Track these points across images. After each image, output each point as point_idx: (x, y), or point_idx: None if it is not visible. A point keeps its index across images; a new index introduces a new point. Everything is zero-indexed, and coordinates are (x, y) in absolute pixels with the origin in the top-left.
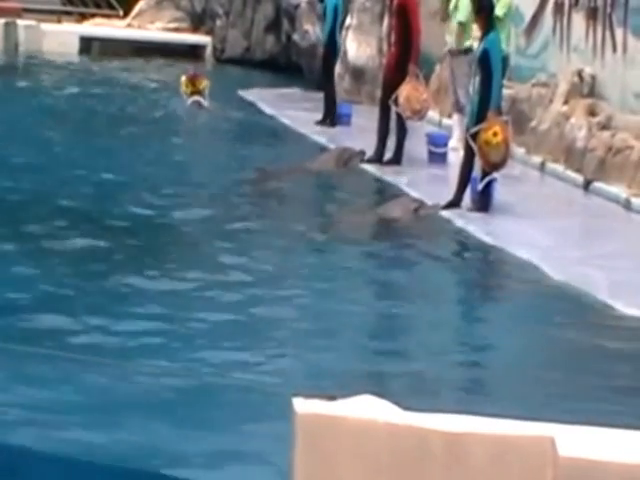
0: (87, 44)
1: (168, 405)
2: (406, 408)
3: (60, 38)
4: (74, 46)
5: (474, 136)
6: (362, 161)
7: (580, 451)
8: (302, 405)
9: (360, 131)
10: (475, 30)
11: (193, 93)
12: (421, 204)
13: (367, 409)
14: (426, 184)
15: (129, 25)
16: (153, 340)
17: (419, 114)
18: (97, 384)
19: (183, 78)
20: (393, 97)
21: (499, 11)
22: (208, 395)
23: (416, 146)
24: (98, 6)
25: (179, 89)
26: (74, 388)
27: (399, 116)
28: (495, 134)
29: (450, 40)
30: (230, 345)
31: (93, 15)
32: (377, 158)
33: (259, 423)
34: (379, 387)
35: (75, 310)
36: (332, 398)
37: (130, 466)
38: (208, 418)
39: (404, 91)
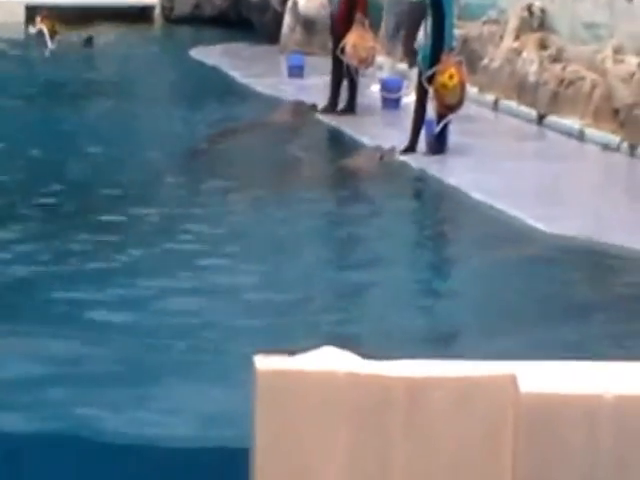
0: (33, 12)
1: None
2: (367, 357)
3: (5, 7)
4: (20, 15)
5: (429, 80)
6: (317, 112)
7: (542, 386)
8: (262, 361)
9: (313, 82)
10: None
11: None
12: (379, 150)
13: (328, 361)
14: (381, 130)
15: None
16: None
17: (366, 62)
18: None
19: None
20: (340, 46)
21: None
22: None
23: (370, 93)
24: None
25: (130, 52)
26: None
27: (349, 65)
28: (451, 77)
29: None
30: (181, 302)
31: None
32: (331, 108)
33: (216, 380)
34: (339, 337)
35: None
36: (292, 353)
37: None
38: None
39: (350, 40)
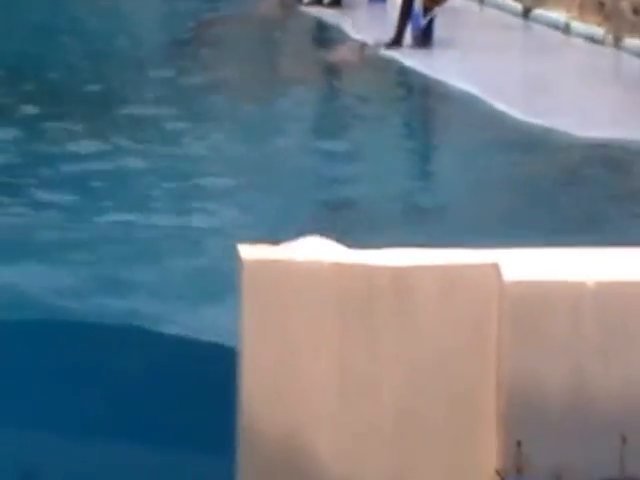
0: None
1: None
2: (352, 245)
3: None
4: None
5: None
6: (304, 4)
7: (525, 274)
8: (247, 251)
9: None
10: None
11: None
12: (364, 45)
13: (312, 251)
14: (368, 24)
15: None
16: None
17: None
18: None
19: None
20: None
21: None
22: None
23: None
24: None
25: None
26: None
27: None
28: None
29: None
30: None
31: None
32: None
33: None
34: (323, 227)
35: None
36: (277, 243)
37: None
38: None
39: None
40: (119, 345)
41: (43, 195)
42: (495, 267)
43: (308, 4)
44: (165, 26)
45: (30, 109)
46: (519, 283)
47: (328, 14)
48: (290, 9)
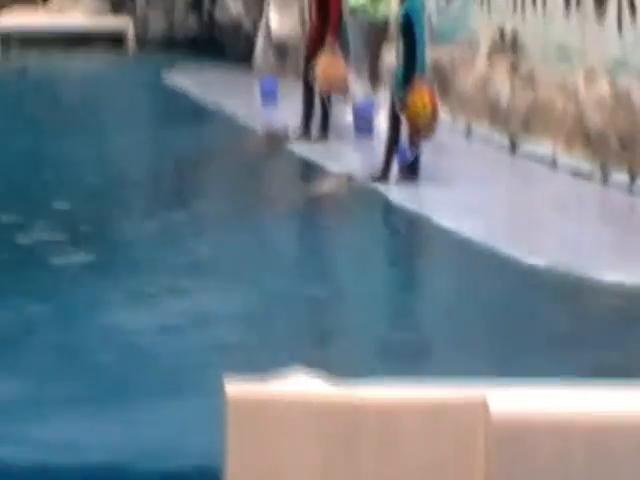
0: (6, 37)
1: None
2: (338, 380)
3: None
4: None
5: (401, 104)
6: (288, 139)
7: (513, 410)
8: (232, 384)
9: (286, 106)
10: None
11: None
12: (350, 177)
13: (298, 384)
14: (353, 157)
15: (48, 14)
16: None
17: (337, 87)
18: None
19: None
20: (310, 70)
21: None
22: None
23: (342, 117)
24: None
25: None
26: None
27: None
28: (423, 102)
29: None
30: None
31: (13, 3)
32: (304, 134)
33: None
34: (309, 360)
35: None
36: (262, 375)
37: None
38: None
39: (321, 65)
40: None
41: None
42: (482, 402)
43: (295, 139)
44: (151, 162)
45: None
46: (506, 419)
47: (315, 148)
48: (277, 145)
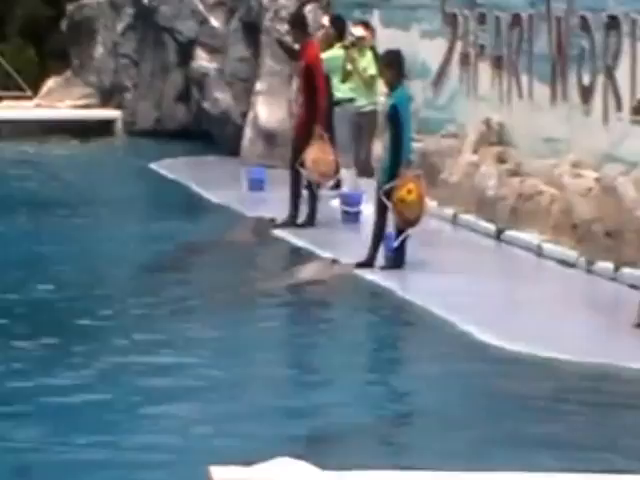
0: None
1: None
2: (325, 468)
3: None
4: None
5: (388, 194)
6: (275, 226)
7: None
8: (219, 472)
9: (275, 196)
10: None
11: None
12: (335, 264)
13: (284, 472)
14: (340, 244)
15: (38, 105)
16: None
17: (326, 176)
18: None
19: None
20: (300, 160)
21: (372, 70)
22: None
23: (330, 207)
24: (6, 88)
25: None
26: None
27: (309, 179)
28: (409, 191)
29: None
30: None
31: (2, 98)
32: (290, 222)
33: None
34: (296, 449)
35: None
36: (249, 464)
37: None
38: None
39: (310, 154)
40: None
41: None
42: None
43: (282, 226)
44: (139, 251)
45: None
46: None
47: (300, 234)
48: (263, 232)
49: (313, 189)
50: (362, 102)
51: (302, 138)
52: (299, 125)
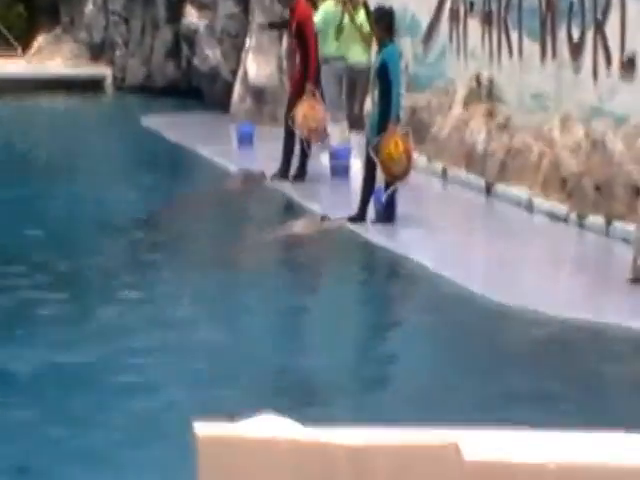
0: None
1: None
2: (309, 423)
3: None
4: None
5: (376, 149)
6: (265, 180)
7: (486, 454)
8: (202, 427)
9: (262, 151)
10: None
11: None
12: (325, 219)
13: (268, 427)
14: (330, 199)
15: (28, 62)
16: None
17: (315, 132)
18: None
19: None
20: (291, 115)
21: (366, 26)
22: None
23: (320, 161)
24: None
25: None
26: None
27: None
28: (396, 146)
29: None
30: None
31: None
32: (281, 175)
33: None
34: (281, 404)
35: None
36: (233, 418)
37: None
38: None
39: (301, 110)
40: None
41: None
42: (455, 447)
43: (272, 178)
44: (128, 204)
45: None
46: (479, 463)
47: (290, 189)
48: (254, 185)
49: (304, 145)
50: (358, 58)
51: (297, 95)
52: (294, 82)
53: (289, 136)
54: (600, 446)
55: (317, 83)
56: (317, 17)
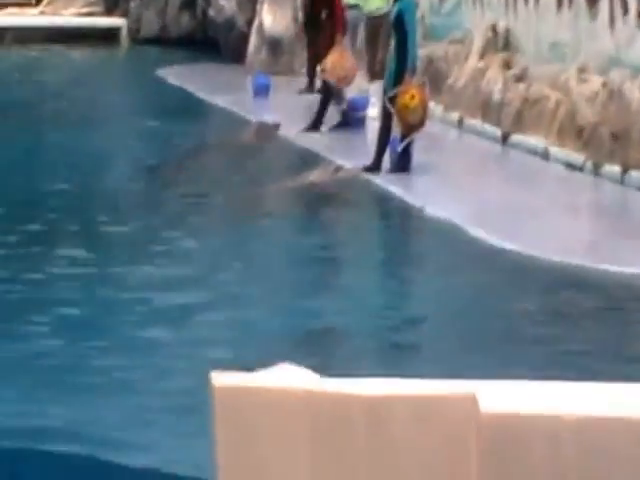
0: (0, 35)
1: None
2: (328, 374)
3: None
4: None
5: (392, 99)
6: (279, 130)
7: (503, 406)
8: (219, 378)
9: (278, 101)
10: None
11: None
12: (340, 168)
13: (285, 378)
14: (346, 148)
15: (42, 12)
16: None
17: (345, 80)
18: None
19: None
20: (322, 66)
21: None
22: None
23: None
24: None
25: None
26: None
27: (325, 83)
28: (412, 97)
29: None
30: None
31: (6, 5)
32: (314, 126)
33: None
34: (300, 354)
35: None
36: (250, 369)
37: None
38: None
39: (329, 59)
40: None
41: None
42: (472, 398)
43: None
44: (147, 153)
45: None
46: (497, 415)
47: (305, 139)
48: (269, 136)
49: (328, 93)
50: (378, 4)
51: (325, 46)
52: (324, 34)
53: (325, 88)
54: (618, 398)
55: (345, 32)
56: None
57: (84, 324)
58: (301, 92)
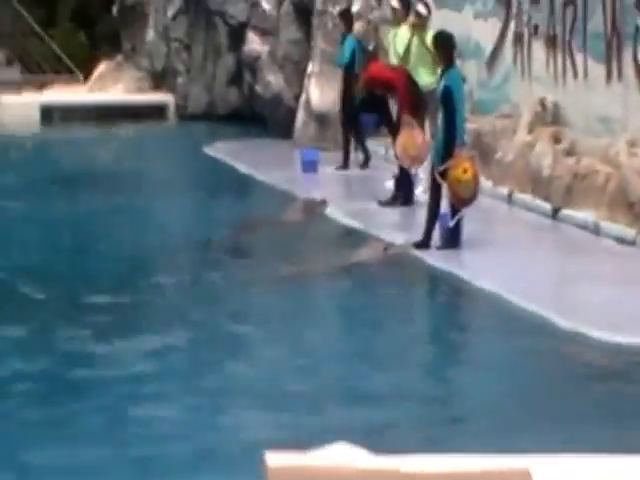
0: (48, 113)
1: None
2: (380, 453)
3: (20, 109)
4: (35, 116)
5: (442, 174)
6: (327, 207)
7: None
8: (274, 458)
9: (327, 177)
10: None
11: None
12: (390, 245)
13: (339, 458)
14: (394, 225)
15: (90, 90)
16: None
17: (417, 160)
18: None
19: None
20: (394, 152)
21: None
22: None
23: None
24: (57, 72)
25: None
26: None
27: (401, 169)
28: (465, 171)
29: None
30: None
31: (53, 82)
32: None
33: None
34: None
35: None
36: (303, 450)
37: None
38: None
39: (399, 142)
40: None
41: None
42: (526, 473)
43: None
44: (196, 230)
45: None
46: None
47: (353, 216)
48: (315, 213)
49: (405, 176)
50: (429, 79)
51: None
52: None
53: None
54: None
55: (415, 111)
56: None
57: None
58: (337, 168)
